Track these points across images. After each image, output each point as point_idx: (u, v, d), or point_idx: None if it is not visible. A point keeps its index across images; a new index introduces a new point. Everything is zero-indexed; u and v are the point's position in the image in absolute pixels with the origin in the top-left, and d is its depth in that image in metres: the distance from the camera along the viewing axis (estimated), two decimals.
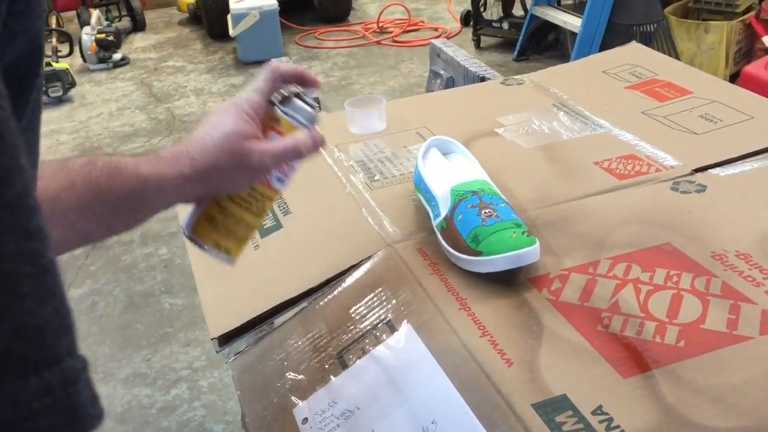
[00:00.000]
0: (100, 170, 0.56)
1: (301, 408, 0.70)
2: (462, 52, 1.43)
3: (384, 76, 3.87)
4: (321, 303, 0.80)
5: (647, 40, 3.11)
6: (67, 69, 3.96)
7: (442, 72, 1.42)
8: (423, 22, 4.71)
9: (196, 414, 1.80)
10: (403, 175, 0.97)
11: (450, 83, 1.40)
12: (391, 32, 4.56)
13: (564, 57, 3.71)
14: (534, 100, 1.15)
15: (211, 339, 0.80)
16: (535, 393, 0.60)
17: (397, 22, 4.67)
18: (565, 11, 3.69)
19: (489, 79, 1.31)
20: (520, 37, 3.88)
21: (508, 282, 0.73)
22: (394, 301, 0.75)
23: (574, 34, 3.48)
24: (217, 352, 0.81)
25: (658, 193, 0.87)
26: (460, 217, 0.77)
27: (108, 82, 4.21)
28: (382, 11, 4.68)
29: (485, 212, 0.75)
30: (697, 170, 0.91)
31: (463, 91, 1.28)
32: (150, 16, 5.37)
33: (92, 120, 3.68)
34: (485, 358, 0.64)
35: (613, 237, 0.80)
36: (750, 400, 0.58)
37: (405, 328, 0.71)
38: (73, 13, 5.10)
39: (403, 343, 0.70)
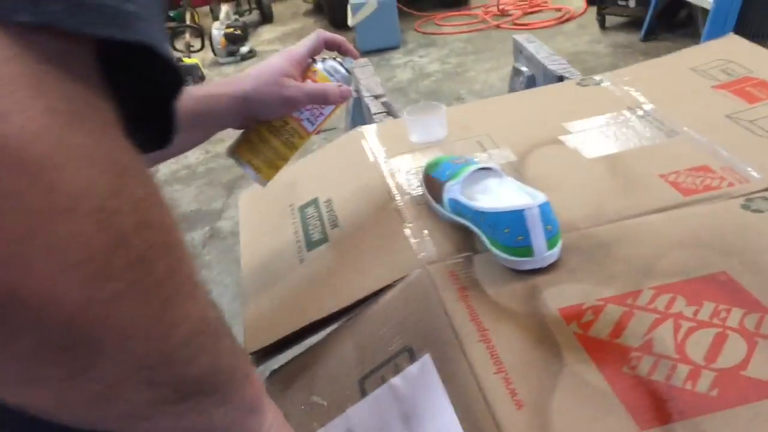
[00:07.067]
0: None
1: None
2: (545, 49, 1.36)
3: (501, 62, 3.78)
4: (351, 325, 0.79)
5: None
6: (197, 64, 4.16)
7: (524, 69, 1.36)
8: (546, 2, 4.55)
9: None
10: None
11: (531, 82, 1.33)
12: (511, 15, 4.44)
13: (697, 36, 3.47)
14: (607, 103, 1.07)
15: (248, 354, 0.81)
16: None
17: (519, 3, 4.55)
18: None
19: (567, 78, 1.24)
20: (648, 16, 3.67)
21: (535, 312, 0.69)
22: (418, 327, 0.73)
23: (706, 11, 3.24)
24: None
25: (725, 211, 0.79)
26: None
27: (235, 75, 4.38)
28: None
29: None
30: None
31: (533, 93, 1.21)
32: (278, 8, 5.54)
33: None
34: (495, 397, 0.61)
35: (664, 263, 0.73)
36: None
37: (422, 359, 0.69)
38: (207, 8, 5.34)
39: (419, 374, 0.68)
